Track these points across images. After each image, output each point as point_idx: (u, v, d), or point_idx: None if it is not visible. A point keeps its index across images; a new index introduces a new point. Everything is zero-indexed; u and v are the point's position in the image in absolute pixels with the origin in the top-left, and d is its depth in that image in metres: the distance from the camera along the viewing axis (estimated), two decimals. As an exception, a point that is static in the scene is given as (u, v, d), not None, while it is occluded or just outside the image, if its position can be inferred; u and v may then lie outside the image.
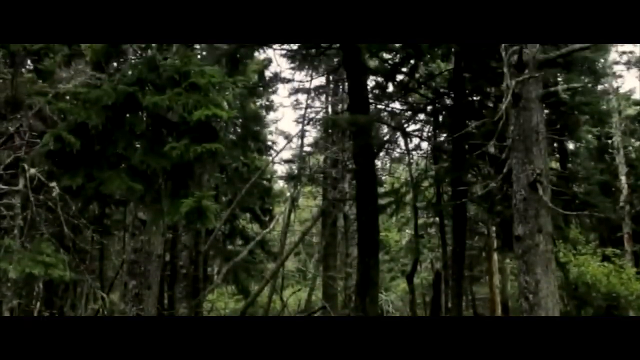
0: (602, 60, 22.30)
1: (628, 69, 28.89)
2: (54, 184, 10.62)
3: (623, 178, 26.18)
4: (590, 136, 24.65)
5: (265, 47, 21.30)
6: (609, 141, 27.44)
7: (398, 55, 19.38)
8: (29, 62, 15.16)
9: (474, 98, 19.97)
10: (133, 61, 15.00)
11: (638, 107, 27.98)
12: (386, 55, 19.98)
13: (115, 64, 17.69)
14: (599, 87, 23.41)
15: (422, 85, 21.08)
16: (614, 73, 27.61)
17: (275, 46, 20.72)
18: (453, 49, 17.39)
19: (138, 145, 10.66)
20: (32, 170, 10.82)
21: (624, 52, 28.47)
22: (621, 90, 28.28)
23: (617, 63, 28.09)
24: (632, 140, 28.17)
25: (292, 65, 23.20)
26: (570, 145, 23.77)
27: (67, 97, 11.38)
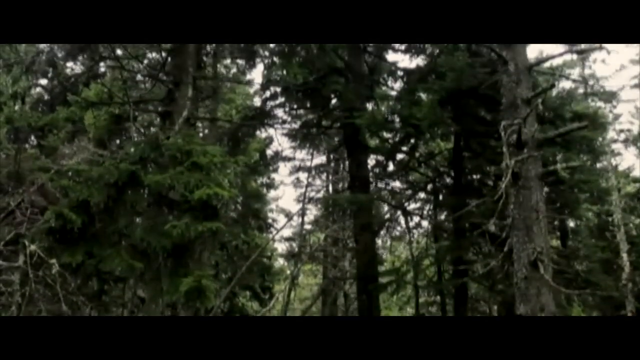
0: (600, 139, 22.47)
1: (626, 146, 29.06)
2: (53, 260, 10.60)
3: (624, 255, 25.92)
4: (590, 214, 24.61)
5: (266, 126, 21.57)
6: (609, 218, 27.28)
7: (398, 135, 19.56)
8: (32, 137, 15.33)
9: (474, 177, 20.05)
10: (136, 139, 15.16)
11: (637, 185, 28.01)
12: (386, 135, 20.18)
13: (118, 141, 17.88)
14: (598, 165, 23.60)
15: (422, 164, 21.22)
16: (613, 151, 27.67)
17: (277, 125, 21.00)
18: (452, 129, 17.55)
19: (139, 222, 10.70)
20: (32, 247, 10.81)
21: (621, 131, 28.75)
22: (620, 168, 28.30)
23: (615, 141, 28.26)
24: (633, 217, 28.08)
25: (293, 144, 23.49)
26: (571, 223, 23.74)
27: (70, 174, 11.46)
